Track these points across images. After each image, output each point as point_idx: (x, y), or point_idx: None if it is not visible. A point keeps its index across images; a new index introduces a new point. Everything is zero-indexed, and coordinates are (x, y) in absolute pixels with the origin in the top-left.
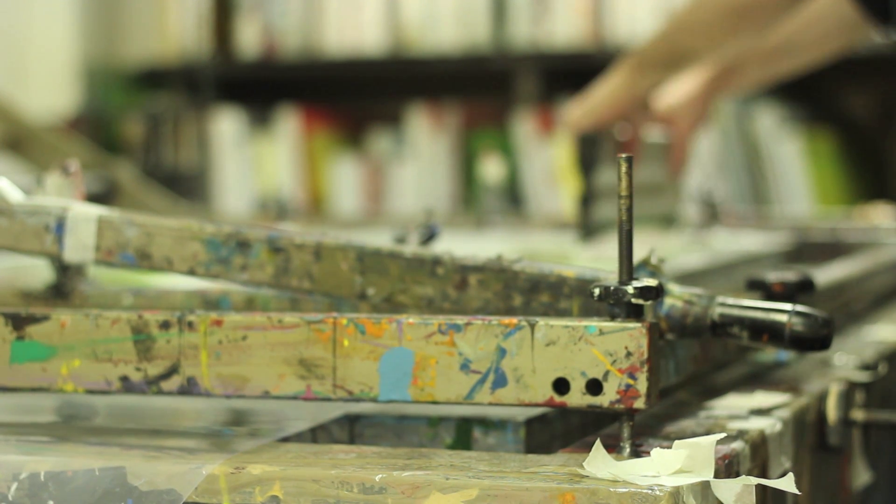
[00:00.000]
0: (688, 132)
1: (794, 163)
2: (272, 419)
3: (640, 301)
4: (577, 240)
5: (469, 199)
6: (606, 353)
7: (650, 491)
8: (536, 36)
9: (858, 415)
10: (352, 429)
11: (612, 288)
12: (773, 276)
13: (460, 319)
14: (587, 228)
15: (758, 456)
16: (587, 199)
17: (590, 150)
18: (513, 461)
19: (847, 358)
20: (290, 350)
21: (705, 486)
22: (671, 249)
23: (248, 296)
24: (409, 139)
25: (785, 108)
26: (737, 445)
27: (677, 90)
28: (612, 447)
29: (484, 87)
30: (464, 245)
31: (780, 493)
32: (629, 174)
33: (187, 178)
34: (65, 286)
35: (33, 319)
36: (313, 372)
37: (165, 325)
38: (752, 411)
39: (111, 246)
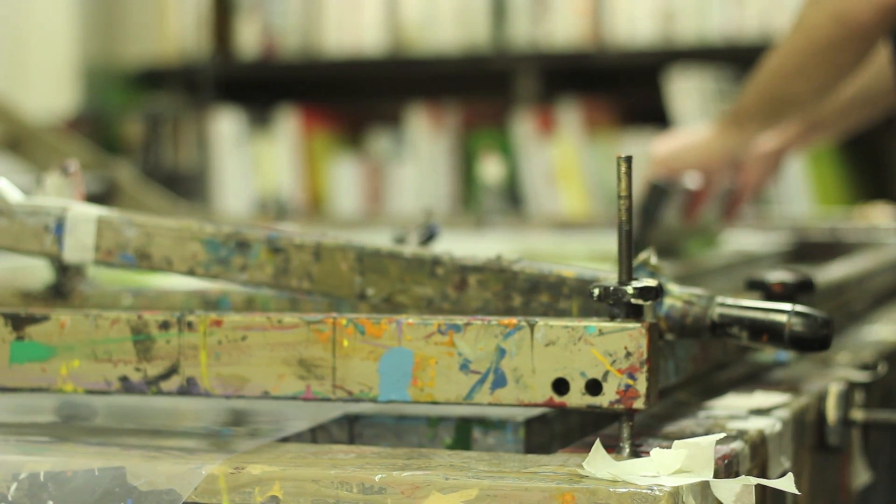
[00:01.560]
0: (755, 184)
1: (794, 163)
2: (272, 419)
3: (640, 301)
4: None
5: (469, 199)
6: (606, 354)
7: (650, 491)
8: (536, 36)
9: (858, 415)
10: (351, 429)
11: (611, 288)
12: (773, 276)
13: (460, 320)
14: None
15: (757, 456)
16: (639, 245)
17: (656, 200)
18: (512, 461)
19: (847, 358)
20: (289, 350)
21: (705, 486)
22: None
23: (248, 296)
24: (409, 139)
25: None
26: (736, 445)
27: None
28: (612, 447)
29: (484, 87)
30: (463, 245)
31: (780, 493)
32: (629, 174)
33: (187, 179)
34: (64, 286)
35: (33, 320)
36: (313, 372)
37: (165, 326)
38: (751, 411)
39: (111, 246)
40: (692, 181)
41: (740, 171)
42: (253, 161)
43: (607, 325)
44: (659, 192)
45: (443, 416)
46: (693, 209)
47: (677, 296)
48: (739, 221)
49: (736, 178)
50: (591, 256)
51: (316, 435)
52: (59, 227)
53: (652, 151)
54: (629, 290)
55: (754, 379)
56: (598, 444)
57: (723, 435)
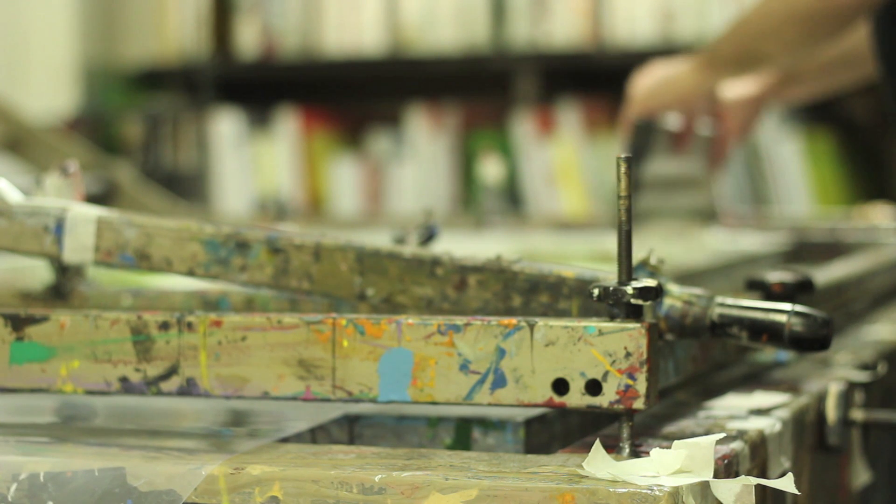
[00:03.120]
0: (736, 131)
1: (794, 163)
2: (271, 420)
3: (640, 301)
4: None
5: (468, 199)
6: (606, 354)
7: (650, 491)
8: (536, 36)
9: (858, 415)
10: (351, 429)
11: (611, 288)
12: (773, 276)
13: (459, 320)
14: None
15: (757, 456)
16: (637, 185)
17: (643, 139)
18: (512, 461)
19: (847, 358)
20: (289, 351)
21: (705, 486)
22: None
23: (248, 296)
24: (409, 139)
25: (784, 108)
26: (736, 445)
27: (735, 87)
28: (612, 447)
29: (483, 88)
30: (463, 245)
31: (780, 493)
32: (628, 175)
33: (186, 179)
34: (64, 287)
35: (33, 320)
36: (313, 373)
37: (165, 326)
38: (751, 411)
39: (110, 247)
40: (673, 122)
41: (720, 117)
42: (253, 161)
43: (607, 325)
44: (645, 131)
45: (443, 417)
46: (678, 150)
47: (677, 296)
48: (725, 170)
49: (717, 125)
50: (591, 256)
51: (316, 435)
52: (59, 228)
53: (631, 91)
54: (629, 290)
55: (754, 379)
56: (597, 444)
57: (723, 435)
